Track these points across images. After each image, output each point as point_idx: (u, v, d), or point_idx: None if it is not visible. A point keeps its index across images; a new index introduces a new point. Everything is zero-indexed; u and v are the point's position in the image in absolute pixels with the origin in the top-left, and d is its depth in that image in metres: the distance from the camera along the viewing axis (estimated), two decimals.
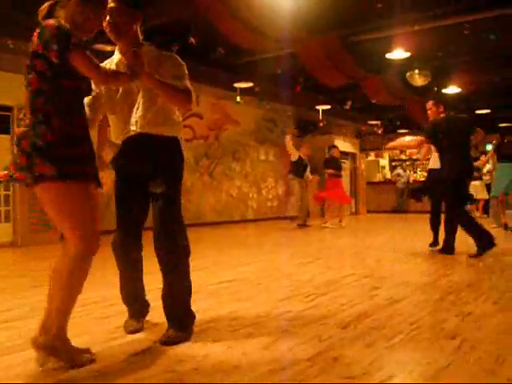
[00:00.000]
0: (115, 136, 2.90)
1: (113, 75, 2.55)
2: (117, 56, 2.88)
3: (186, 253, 2.91)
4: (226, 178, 13.07)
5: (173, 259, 2.89)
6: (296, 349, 2.56)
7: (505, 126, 15.59)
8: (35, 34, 2.33)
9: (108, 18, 2.69)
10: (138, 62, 2.55)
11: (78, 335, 2.65)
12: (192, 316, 2.90)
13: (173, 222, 2.84)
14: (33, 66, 2.33)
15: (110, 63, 2.89)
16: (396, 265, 5.44)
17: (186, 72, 2.92)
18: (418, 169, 18.59)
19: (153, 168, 2.80)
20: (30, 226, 8.16)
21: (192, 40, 8.02)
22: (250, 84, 10.90)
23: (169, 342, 2.67)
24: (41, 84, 2.33)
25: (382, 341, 2.66)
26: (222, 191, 12.92)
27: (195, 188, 12.08)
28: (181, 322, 2.81)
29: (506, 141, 9.25)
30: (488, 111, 15.22)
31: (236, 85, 10.95)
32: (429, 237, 6.67)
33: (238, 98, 11.56)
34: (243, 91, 11.35)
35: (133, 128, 2.79)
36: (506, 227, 9.06)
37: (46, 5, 2.45)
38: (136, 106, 2.80)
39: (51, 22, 2.31)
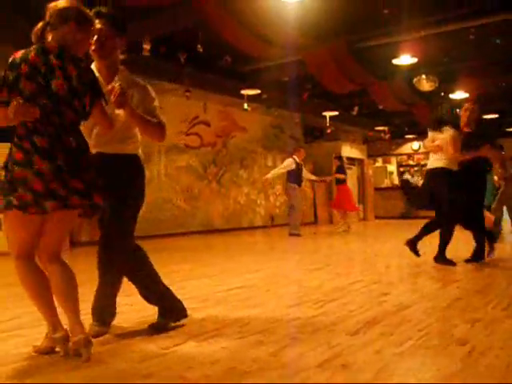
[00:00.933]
0: None
1: (113, 120, 2.74)
2: None
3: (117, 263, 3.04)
4: (233, 185, 13.10)
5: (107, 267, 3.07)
6: (305, 355, 2.56)
7: None
8: (71, 69, 2.44)
9: (96, 38, 2.81)
10: (124, 97, 2.69)
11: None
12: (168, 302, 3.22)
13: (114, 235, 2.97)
14: (71, 104, 2.47)
15: None
16: (404, 271, 5.43)
17: (157, 104, 3.02)
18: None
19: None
20: None
21: (199, 48, 8.07)
22: (258, 91, 10.95)
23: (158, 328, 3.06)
24: (76, 119, 2.52)
25: (391, 347, 2.65)
26: (229, 198, 12.94)
27: (203, 195, 12.11)
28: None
29: None
30: (495, 116, 15.16)
31: (243, 92, 10.99)
32: (434, 242, 6.64)
33: (246, 105, 11.60)
34: (250, 98, 11.40)
35: (92, 143, 2.86)
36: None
37: (40, 27, 2.54)
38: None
39: (88, 66, 2.50)
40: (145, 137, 3.06)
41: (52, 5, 2.57)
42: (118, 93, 2.66)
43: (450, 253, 5.74)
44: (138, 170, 3.08)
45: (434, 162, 5.70)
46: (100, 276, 3.09)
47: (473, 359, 2.48)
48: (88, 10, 2.65)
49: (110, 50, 2.91)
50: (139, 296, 3.24)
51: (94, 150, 2.84)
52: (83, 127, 2.76)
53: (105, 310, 3.10)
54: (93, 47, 2.84)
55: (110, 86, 2.71)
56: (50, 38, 2.53)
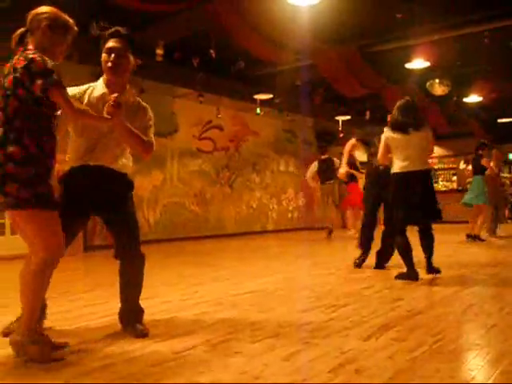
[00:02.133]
0: (75, 158, 3.08)
1: (85, 114, 2.77)
2: (101, 89, 3.07)
3: None
4: (246, 190, 13.12)
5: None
6: (317, 360, 2.55)
7: None
8: (19, 62, 2.55)
9: (113, 55, 2.97)
10: (118, 110, 2.79)
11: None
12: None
13: None
14: (15, 92, 2.55)
15: (93, 88, 3.10)
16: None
17: (153, 124, 3.24)
18: (440, 179, 18.37)
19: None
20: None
21: (212, 53, 8.11)
22: (270, 95, 10.97)
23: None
24: (20, 108, 2.56)
25: (405, 353, 2.64)
26: (242, 202, 12.96)
27: (216, 199, 12.14)
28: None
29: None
30: (510, 120, 15.04)
31: (256, 96, 11.03)
32: (449, 247, 6.60)
33: (258, 110, 11.63)
34: (263, 103, 11.43)
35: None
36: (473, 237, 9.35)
37: (18, 32, 2.70)
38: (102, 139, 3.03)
39: (37, 56, 2.55)
40: (132, 150, 3.22)
41: (32, 12, 2.72)
42: (114, 103, 2.76)
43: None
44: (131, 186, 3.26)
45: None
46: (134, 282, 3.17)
47: (487, 365, 2.46)
48: (66, 16, 2.78)
49: (125, 68, 3.05)
50: (150, 300, 3.25)
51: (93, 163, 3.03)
52: (85, 140, 2.96)
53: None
54: (109, 64, 2.98)
55: (112, 97, 2.81)
56: (28, 42, 2.67)
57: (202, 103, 10.52)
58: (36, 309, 2.63)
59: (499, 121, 15.18)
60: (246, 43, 7.75)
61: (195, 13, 6.92)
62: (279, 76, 10.23)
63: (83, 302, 4.11)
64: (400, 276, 5.10)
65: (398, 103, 5.38)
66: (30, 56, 2.56)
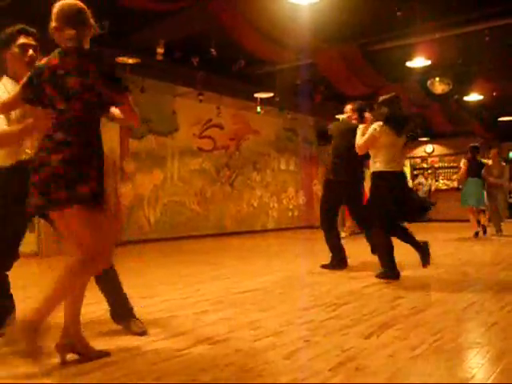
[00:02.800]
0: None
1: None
2: (11, 84, 2.98)
3: None
4: (246, 188, 13.12)
5: None
6: (318, 359, 2.55)
7: None
8: (89, 66, 2.44)
9: (31, 52, 2.97)
10: None
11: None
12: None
13: None
14: (82, 96, 2.44)
15: (4, 86, 3.00)
16: (419, 274, 5.38)
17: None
18: (440, 177, 18.36)
19: None
20: (54, 236, 8.29)
21: (213, 52, 8.11)
22: (271, 94, 10.96)
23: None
24: (84, 112, 2.46)
25: (405, 351, 2.64)
26: (242, 201, 12.96)
27: (216, 198, 12.15)
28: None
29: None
30: (511, 118, 15.03)
31: (256, 95, 11.02)
32: (449, 245, 6.60)
33: (259, 109, 11.62)
34: (264, 101, 11.42)
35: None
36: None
37: (74, 33, 2.51)
38: None
39: (107, 59, 2.51)
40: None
41: (65, 5, 2.54)
42: None
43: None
44: None
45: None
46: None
47: (487, 363, 2.46)
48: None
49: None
50: (150, 299, 3.25)
51: None
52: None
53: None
54: (27, 59, 2.96)
55: None
56: (77, 42, 2.51)
57: (203, 102, 10.52)
58: (54, 305, 2.46)
59: (500, 119, 15.16)
60: (246, 42, 7.75)
61: (196, 11, 6.91)
62: (280, 75, 10.22)
63: None
64: (381, 275, 5.01)
65: (391, 98, 5.13)
66: (102, 59, 2.49)
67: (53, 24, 2.53)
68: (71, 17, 2.52)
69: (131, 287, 3.85)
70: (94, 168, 2.46)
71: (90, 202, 2.41)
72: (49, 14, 2.55)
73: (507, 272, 5.47)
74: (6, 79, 3.04)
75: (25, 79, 2.56)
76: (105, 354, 2.64)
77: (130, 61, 7.81)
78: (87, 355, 2.56)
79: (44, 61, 2.53)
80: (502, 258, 6.74)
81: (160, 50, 8.06)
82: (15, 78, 2.97)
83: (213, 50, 8.08)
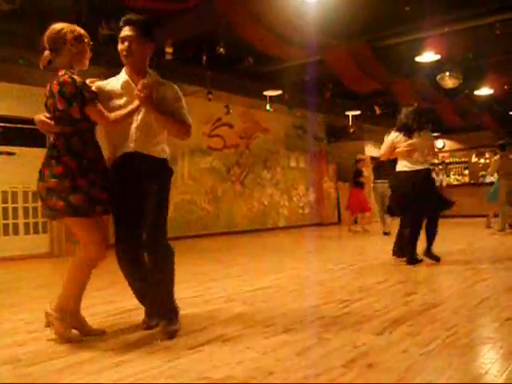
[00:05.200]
0: (113, 148, 3.12)
1: (118, 119, 2.92)
2: (123, 77, 3.10)
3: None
4: (257, 186, 13.12)
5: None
6: (330, 355, 2.55)
7: None
8: (54, 86, 2.79)
9: (126, 44, 2.99)
10: (147, 93, 2.90)
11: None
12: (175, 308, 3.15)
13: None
14: (55, 115, 2.84)
15: (117, 80, 3.11)
16: (431, 270, 5.36)
17: (185, 104, 3.20)
18: (451, 172, 18.23)
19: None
20: (66, 236, 8.35)
21: (221, 50, 8.11)
22: (280, 92, 10.94)
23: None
24: (61, 129, 2.87)
25: (418, 347, 2.63)
26: (253, 199, 12.96)
27: (227, 196, 12.16)
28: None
29: None
30: None
31: (265, 93, 11.01)
32: (463, 240, 6.56)
33: (268, 106, 11.61)
34: (273, 99, 11.40)
35: (131, 145, 3.05)
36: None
37: (46, 57, 2.90)
38: (135, 125, 3.06)
39: (66, 78, 2.76)
40: (171, 135, 3.22)
41: (48, 31, 2.89)
42: (146, 88, 2.86)
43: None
44: (171, 173, 3.23)
45: (418, 164, 5.57)
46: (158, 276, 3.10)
47: (501, 359, 2.44)
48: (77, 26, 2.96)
49: (140, 56, 3.05)
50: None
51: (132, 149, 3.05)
52: (120, 129, 3.01)
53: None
54: (124, 53, 3.01)
55: (139, 83, 2.89)
56: (56, 63, 2.88)
57: (212, 101, 10.53)
58: (70, 296, 2.94)
59: (511, 113, 15.02)
60: (254, 39, 7.73)
61: (204, 10, 6.91)
62: (288, 72, 10.20)
63: (99, 299, 4.13)
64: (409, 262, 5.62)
65: (404, 109, 5.83)
66: (61, 79, 2.77)
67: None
68: (51, 42, 2.90)
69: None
70: (78, 181, 2.82)
71: (67, 214, 2.83)
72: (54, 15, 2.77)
73: None
74: (122, 71, 3.15)
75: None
76: (100, 332, 3.05)
77: None
78: (83, 331, 3.01)
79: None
80: None
81: (169, 50, 8.08)
82: (127, 72, 3.11)
83: (221, 48, 8.08)
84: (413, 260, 5.64)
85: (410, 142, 5.60)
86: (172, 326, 2.99)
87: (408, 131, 5.65)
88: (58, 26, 2.89)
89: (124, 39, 3.00)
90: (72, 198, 2.79)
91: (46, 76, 3.00)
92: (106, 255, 2.98)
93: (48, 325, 2.95)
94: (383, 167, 9.88)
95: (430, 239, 5.69)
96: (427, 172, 5.68)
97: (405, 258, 5.73)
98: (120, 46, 3.02)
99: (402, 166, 5.65)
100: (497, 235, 9.20)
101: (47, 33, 2.89)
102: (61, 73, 2.82)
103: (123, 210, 3.08)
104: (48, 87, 2.84)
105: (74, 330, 3.00)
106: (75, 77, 2.80)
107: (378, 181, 9.98)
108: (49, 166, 2.85)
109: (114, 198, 3.02)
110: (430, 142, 5.77)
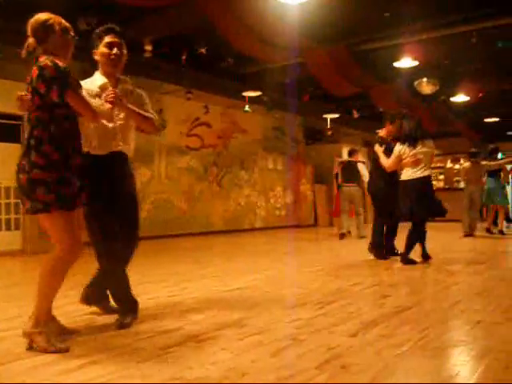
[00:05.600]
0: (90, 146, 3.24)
1: (98, 113, 2.93)
2: (101, 78, 3.29)
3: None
4: (234, 187, 13.10)
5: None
6: (304, 356, 2.56)
7: None
8: (33, 72, 2.69)
9: (116, 49, 3.22)
10: (123, 96, 3.13)
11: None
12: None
13: None
14: (33, 101, 2.72)
15: (92, 82, 3.26)
16: (405, 273, 5.42)
17: (149, 102, 3.47)
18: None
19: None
20: (39, 233, 8.22)
21: (201, 50, 8.08)
22: (259, 93, 10.96)
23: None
24: (40, 117, 2.74)
25: (391, 349, 2.65)
26: (230, 200, 12.94)
27: (204, 196, 12.12)
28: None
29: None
30: (497, 119, 15.17)
31: (244, 94, 11.00)
32: (437, 244, 6.65)
33: (247, 107, 11.61)
34: (252, 100, 11.41)
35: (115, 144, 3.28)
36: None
37: (32, 41, 2.80)
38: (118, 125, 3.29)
39: (48, 62, 2.67)
40: (144, 130, 3.46)
41: (33, 20, 2.81)
42: (114, 95, 3.00)
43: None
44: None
45: (423, 171, 5.91)
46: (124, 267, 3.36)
47: (472, 361, 2.48)
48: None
49: (123, 62, 3.32)
50: (137, 297, 3.23)
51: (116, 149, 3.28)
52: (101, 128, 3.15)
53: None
54: (113, 57, 3.22)
55: (110, 91, 3.04)
56: (40, 50, 2.79)
57: (191, 100, 10.50)
58: (48, 301, 2.81)
59: (486, 120, 15.30)
60: (234, 40, 7.72)
61: (184, 9, 6.88)
62: (268, 73, 10.21)
63: (69, 299, 4.07)
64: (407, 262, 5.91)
65: (406, 122, 6.13)
66: (42, 64, 2.68)
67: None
68: (35, 30, 2.81)
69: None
70: (62, 171, 2.73)
71: (52, 207, 2.69)
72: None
73: (492, 271, 5.52)
74: (97, 74, 3.31)
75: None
76: (75, 331, 3.04)
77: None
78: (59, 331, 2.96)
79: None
80: (487, 257, 6.80)
81: (148, 47, 8.02)
82: (105, 75, 3.28)
83: (202, 47, 8.06)
84: (411, 260, 5.94)
85: (414, 152, 5.90)
86: (124, 319, 3.21)
87: (413, 142, 5.95)
88: (44, 15, 2.83)
89: (113, 45, 3.22)
90: (62, 191, 2.69)
91: (19, 70, 2.97)
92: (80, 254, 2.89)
93: (30, 345, 2.72)
94: (351, 170, 10.01)
95: (413, 244, 6.03)
96: (429, 178, 6.07)
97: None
98: (107, 50, 3.21)
99: (408, 175, 5.94)
100: (468, 239, 9.36)
101: (33, 21, 2.80)
102: (41, 59, 2.73)
103: (112, 208, 3.22)
104: (28, 77, 2.75)
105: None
106: (58, 62, 2.70)
107: (346, 184, 10.06)
108: (29, 156, 2.67)
109: (97, 195, 3.08)
110: (432, 150, 6.06)
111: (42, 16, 2.83)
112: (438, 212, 5.99)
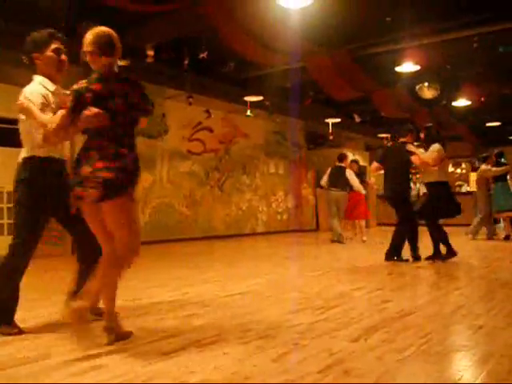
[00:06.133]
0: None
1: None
2: (51, 84, 3.28)
3: None
4: (236, 192, 13.11)
5: None
6: (306, 361, 2.55)
7: None
8: (130, 88, 2.87)
9: (63, 56, 3.31)
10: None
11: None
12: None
13: None
14: (130, 114, 2.88)
15: (44, 87, 3.24)
16: (407, 278, 5.42)
17: None
18: None
19: None
20: (45, 238, 8.20)
21: (203, 55, 8.10)
22: (260, 98, 10.97)
23: None
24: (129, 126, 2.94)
25: (393, 354, 2.65)
26: (232, 204, 12.95)
27: (205, 201, 12.12)
28: None
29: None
30: (498, 124, 15.17)
31: (246, 98, 11.02)
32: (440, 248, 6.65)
33: (249, 112, 11.62)
34: (253, 105, 11.43)
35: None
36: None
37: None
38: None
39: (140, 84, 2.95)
40: None
41: (100, 32, 2.90)
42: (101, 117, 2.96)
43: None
44: None
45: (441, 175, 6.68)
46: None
47: (474, 366, 2.48)
48: None
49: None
50: (138, 301, 3.23)
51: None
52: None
53: None
54: (62, 63, 3.32)
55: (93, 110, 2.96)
56: (98, 65, 2.89)
57: (192, 104, 10.51)
58: (115, 297, 2.96)
59: (488, 125, 15.30)
60: (236, 45, 7.74)
61: (186, 14, 6.90)
62: (269, 78, 10.24)
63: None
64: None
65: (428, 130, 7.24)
66: (137, 82, 2.93)
67: (88, 48, 2.89)
68: (107, 45, 2.91)
69: (119, 289, 3.83)
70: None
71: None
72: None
73: (495, 275, 5.51)
74: (42, 78, 3.26)
75: (70, 104, 2.83)
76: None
77: (120, 63, 7.79)
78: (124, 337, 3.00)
79: (83, 84, 2.85)
80: (489, 261, 6.80)
81: (150, 53, 8.04)
82: (49, 79, 3.27)
83: (204, 53, 8.08)
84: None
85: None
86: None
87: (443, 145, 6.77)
88: (108, 30, 2.95)
89: (60, 51, 3.27)
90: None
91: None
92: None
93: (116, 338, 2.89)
94: (339, 175, 10.02)
95: (416, 243, 6.76)
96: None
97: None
98: (56, 56, 3.26)
99: (442, 176, 6.69)
100: (472, 242, 9.36)
101: (102, 33, 2.91)
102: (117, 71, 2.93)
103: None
104: (99, 86, 2.82)
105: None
106: None
107: (333, 188, 10.06)
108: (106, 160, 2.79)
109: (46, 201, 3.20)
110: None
111: (103, 29, 2.95)
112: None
